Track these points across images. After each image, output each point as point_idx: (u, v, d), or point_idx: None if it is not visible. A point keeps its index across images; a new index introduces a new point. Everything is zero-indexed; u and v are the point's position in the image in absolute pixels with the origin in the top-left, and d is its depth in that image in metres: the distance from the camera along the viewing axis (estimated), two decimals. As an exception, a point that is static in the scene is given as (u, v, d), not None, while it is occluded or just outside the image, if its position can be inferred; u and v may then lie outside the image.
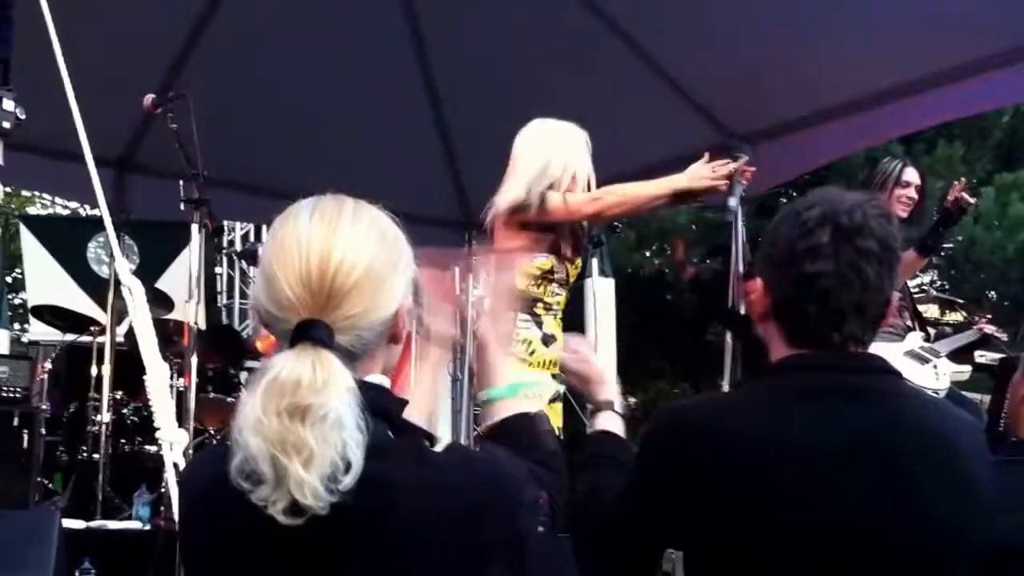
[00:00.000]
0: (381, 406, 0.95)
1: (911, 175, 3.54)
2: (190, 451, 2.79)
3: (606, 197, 2.71)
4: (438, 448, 0.98)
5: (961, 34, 3.49)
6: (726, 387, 5.55)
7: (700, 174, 2.80)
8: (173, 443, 2.29)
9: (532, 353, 2.71)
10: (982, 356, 4.13)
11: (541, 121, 2.84)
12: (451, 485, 0.93)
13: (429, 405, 1.27)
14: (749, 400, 1.19)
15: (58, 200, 9.57)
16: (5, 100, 1.67)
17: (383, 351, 1.02)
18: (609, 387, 1.46)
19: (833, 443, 1.10)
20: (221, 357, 4.78)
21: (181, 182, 2.89)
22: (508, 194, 2.71)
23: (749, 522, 1.09)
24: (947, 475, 1.11)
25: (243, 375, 4.86)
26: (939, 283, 6.74)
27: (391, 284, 1.00)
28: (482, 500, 0.94)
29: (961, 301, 4.85)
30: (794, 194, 6.62)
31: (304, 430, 0.86)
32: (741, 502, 1.10)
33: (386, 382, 1.02)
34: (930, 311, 5.96)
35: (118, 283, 2.88)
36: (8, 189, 7.79)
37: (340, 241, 0.98)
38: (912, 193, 3.55)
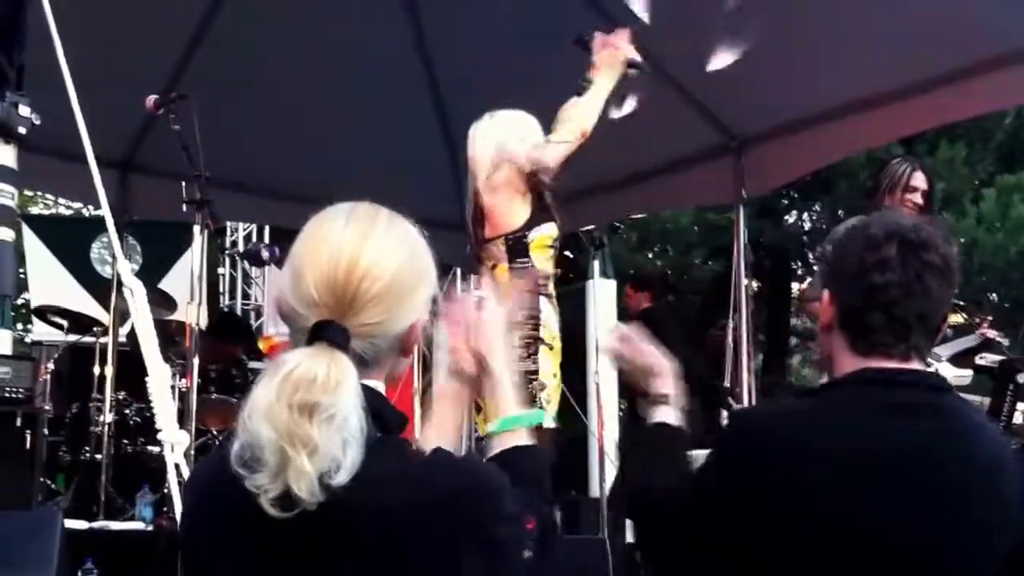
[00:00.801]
0: (375, 407, 0.97)
1: (919, 180, 3.51)
2: (192, 452, 2.80)
3: (576, 123, 2.72)
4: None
5: (963, 35, 3.49)
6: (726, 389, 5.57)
7: (610, 59, 2.83)
8: (175, 444, 2.30)
9: (554, 338, 2.71)
10: (982, 358, 4.13)
11: (490, 114, 2.89)
12: (433, 481, 0.96)
13: (456, 444, 1.28)
14: (826, 412, 1.22)
15: (61, 200, 9.56)
16: (21, 106, 1.68)
17: (392, 361, 1.05)
18: (667, 379, 1.43)
19: (893, 454, 1.16)
20: (230, 348, 4.76)
21: (184, 183, 2.90)
22: (498, 170, 2.73)
23: (819, 533, 1.14)
24: (995, 496, 1.18)
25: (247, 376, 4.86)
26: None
27: (412, 298, 1.03)
28: (459, 495, 0.96)
29: (962, 303, 4.83)
30: (795, 195, 6.62)
31: (311, 426, 0.89)
32: (814, 511, 1.14)
33: (381, 387, 1.05)
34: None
35: (121, 283, 2.89)
36: (11, 189, 7.78)
37: (370, 249, 1.00)
38: (919, 199, 3.52)
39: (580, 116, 2.71)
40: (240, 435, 0.92)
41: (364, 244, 1.00)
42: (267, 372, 0.94)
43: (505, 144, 2.76)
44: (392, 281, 1.00)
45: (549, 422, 2.63)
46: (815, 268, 3.91)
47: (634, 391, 1.47)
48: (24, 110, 1.68)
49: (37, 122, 1.70)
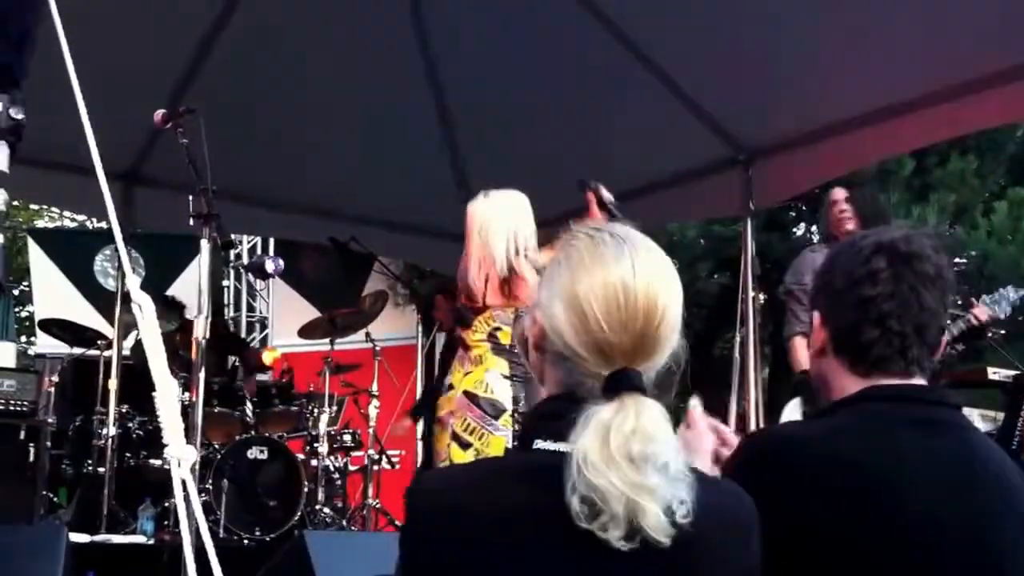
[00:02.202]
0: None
1: (835, 194, 3.78)
2: (197, 467, 2.77)
3: None
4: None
5: (975, 47, 3.48)
6: (734, 403, 5.54)
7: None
8: (181, 460, 2.27)
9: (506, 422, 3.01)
10: (995, 373, 4.08)
11: (495, 194, 3.21)
12: (729, 507, 1.00)
13: None
14: (847, 425, 1.19)
15: (66, 213, 9.58)
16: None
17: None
18: (704, 459, 1.33)
19: (924, 475, 1.13)
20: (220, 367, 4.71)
21: (191, 197, 2.89)
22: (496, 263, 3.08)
23: (843, 548, 1.11)
24: (1012, 504, 1.16)
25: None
26: (952, 298, 6.68)
27: (680, 323, 1.01)
28: (748, 519, 1.01)
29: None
30: (803, 208, 6.59)
31: (650, 476, 0.90)
32: (836, 528, 1.11)
33: None
34: (942, 326, 5.92)
35: (125, 296, 2.86)
36: (16, 202, 7.81)
37: (661, 287, 0.97)
38: (844, 206, 3.72)
39: None
40: (576, 483, 0.90)
41: (651, 279, 0.97)
42: (587, 424, 0.92)
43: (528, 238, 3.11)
44: (677, 314, 0.98)
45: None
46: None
47: None
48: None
49: (17, 117, 1.66)
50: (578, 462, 0.90)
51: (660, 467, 0.91)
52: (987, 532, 1.12)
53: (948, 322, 1.30)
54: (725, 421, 5.57)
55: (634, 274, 0.96)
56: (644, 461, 0.90)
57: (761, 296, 4.41)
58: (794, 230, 6.90)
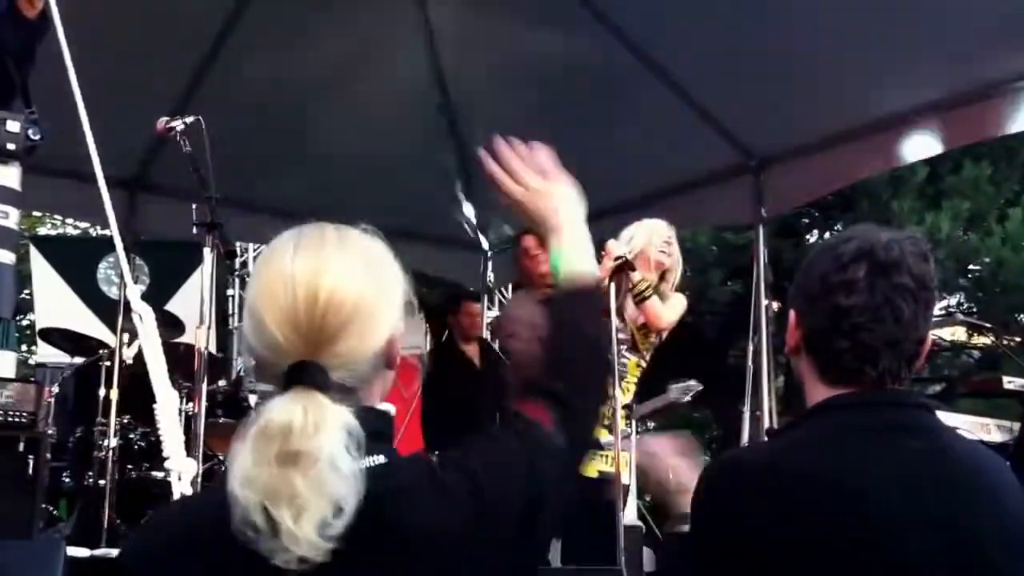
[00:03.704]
0: (381, 431, 0.94)
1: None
2: (199, 480, 2.70)
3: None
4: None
5: (988, 54, 3.43)
6: (747, 412, 5.46)
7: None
8: (182, 473, 2.22)
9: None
10: (1011, 382, 4.01)
11: None
12: (456, 501, 0.91)
13: None
14: (799, 442, 1.17)
15: (68, 220, 9.56)
16: (10, 122, 1.63)
17: (379, 378, 0.99)
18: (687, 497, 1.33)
19: (889, 480, 1.09)
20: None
21: (194, 206, 2.85)
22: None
23: (808, 565, 1.07)
24: (994, 507, 1.11)
25: (252, 398, 4.77)
26: (966, 306, 6.61)
27: (382, 313, 0.97)
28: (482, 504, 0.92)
29: (988, 325, 4.74)
30: (816, 214, 6.54)
31: (296, 477, 0.84)
32: (803, 544, 1.08)
33: (392, 410, 1.00)
34: (957, 334, 5.86)
35: (127, 305, 2.80)
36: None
37: (326, 277, 0.94)
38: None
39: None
40: (233, 502, 0.86)
41: (319, 272, 0.94)
42: (244, 428, 0.88)
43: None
44: (358, 303, 0.94)
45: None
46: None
47: (660, 513, 1.36)
48: (13, 126, 1.62)
49: (35, 138, 1.64)
50: (230, 472, 0.86)
51: (310, 467, 0.84)
52: (962, 535, 1.07)
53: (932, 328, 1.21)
54: (739, 430, 5.53)
55: (293, 265, 0.94)
56: (288, 462, 0.85)
57: (774, 304, 4.35)
58: (807, 237, 6.86)
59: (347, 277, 0.95)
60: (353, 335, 0.93)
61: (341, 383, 0.92)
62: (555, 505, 0.96)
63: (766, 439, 1.25)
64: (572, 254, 1.12)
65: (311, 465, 0.84)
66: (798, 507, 1.09)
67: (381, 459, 0.90)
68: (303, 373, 0.90)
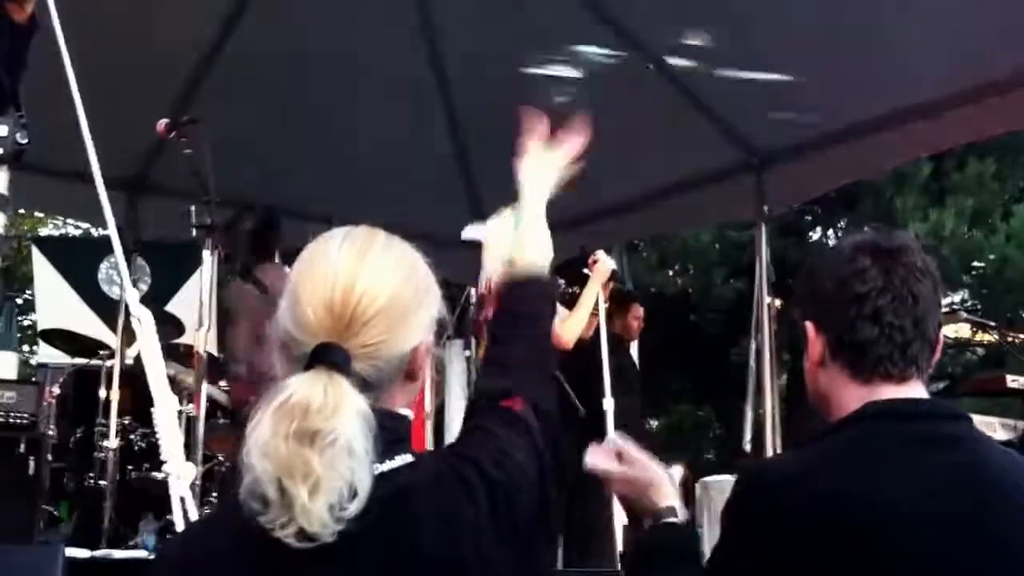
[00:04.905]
0: (399, 433, 0.96)
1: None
2: (198, 483, 2.69)
3: (569, 326, 3.26)
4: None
5: (992, 50, 3.41)
6: (749, 410, 5.44)
7: (600, 275, 3.37)
8: (180, 476, 2.21)
9: None
10: (1015, 380, 4.00)
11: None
12: (475, 497, 0.93)
13: None
14: (828, 455, 1.13)
15: (70, 220, 9.56)
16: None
17: (400, 386, 1.01)
18: (667, 488, 1.28)
19: (920, 497, 1.06)
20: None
21: (193, 208, 2.84)
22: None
23: None
24: None
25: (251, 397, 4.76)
26: (970, 303, 6.58)
27: (413, 319, 1.00)
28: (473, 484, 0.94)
29: (993, 324, 4.71)
30: (819, 212, 6.51)
31: (312, 455, 0.86)
32: (828, 564, 1.05)
33: (411, 416, 1.01)
34: (960, 331, 5.83)
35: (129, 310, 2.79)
36: (21, 210, 7.79)
37: (366, 270, 0.99)
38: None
39: (570, 325, 3.20)
40: (245, 471, 0.88)
41: (360, 264, 0.99)
42: (264, 402, 0.90)
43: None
44: (391, 301, 0.98)
45: None
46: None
47: (633, 516, 1.31)
48: (1, 129, 1.61)
49: (23, 142, 1.63)
50: (247, 444, 0.88)
51: (327, 446, 0.86)
52: (1000, 553, 1.03)
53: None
54: (741, 429, 5.51)
55: (338, 256, 0.99)
56: (305, 439, 0.86)
57: (777, 302, 4.33)
58: (810, 234, 6.84)
59: (386, 275, 0.99)
60: (380, 330, 0.96)
61: (361, 375, 0.94)
62: (553, 488, 1.00)
63: (798, 447, 1.21)
64: (525, 239, 1.16)
65: (328, 445, 0.86)
66: (823, 525, 1.06)
67: (408, 458, 0.93)
68: (327, 353, 0.92)
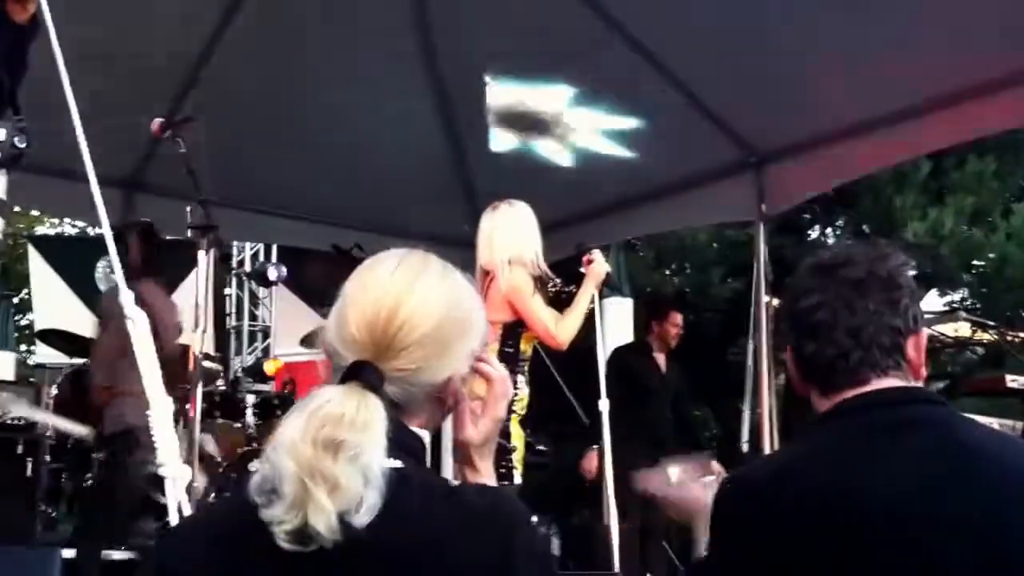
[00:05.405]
0: (412, 447, 0.99)
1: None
2: (195, 485, 2.68)
3: (566, 327, 3.19)
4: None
5: (991, 48, 3.39)
6: (747, 410, 5.42)
7: (595, 276, 3.32)
8: (176, 479, 2.20)
9: (523, 409, 3.16)
10: (1014, 380, 3.99)
11: (515, 205, 3.26)
12: (473, 517, 0.95)
13: None
14: (800, 455, 1.18)
15: (66, 219, 9.53)
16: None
17: (428, 410, 1.04)
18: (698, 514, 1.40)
19: (895, 483, 1.08)
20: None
21: (188, 208, 2.82)
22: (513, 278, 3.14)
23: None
24: (1013, 494, 1.08)
25: (250, 398, 4.75)
26: (970, 302, 6.57)
27: (452, 350, 1.03)
28: (482, 523, 0.95)
29: (992, 323, 4.70)
30: (818, 210, 6.50)
31: (335, 464, 0.89)
32: (810, 562, 1.07)
33: (427, 437, 1.04)
34: (960, 330, 5.81)
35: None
36: (17, 208, 7.77)
37: (415, 296, 1.02)
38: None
39: (565, 326, 3.17)
40: (262, 466, 0.92)
41: (410, 291, 1.02)
42: (297, 406, 0.95)
43: (522, 290, 3.13)
44: (433, 330, 1.01)
45: (518, 479, 3.08)
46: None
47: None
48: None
49: (22, 146, 1.62)
50: (274, 441, 0.92)
51: (350, 458, 0.89)
52: (986, 532, 1.04)
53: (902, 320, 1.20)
54: (738, 428, 5.48)
55: (392, 283, 1.03)
56: (331, 447, 0.90)
57: (775, 301, 4.32)
58: (809, 233, 6.82)
59: (432, 306, 1.02)
60: (417, 357, 1.00)
61: (391, 397, 0.98)
62: None
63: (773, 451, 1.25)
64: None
65: (352, 458, 0.89)
66: (802, 525, 1.08)
67: (398, 463, 0.94)
68: (363, 372, 0.96)
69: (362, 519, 0.88)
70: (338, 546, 0.88)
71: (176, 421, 3.60)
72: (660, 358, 4.80)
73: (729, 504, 1.17)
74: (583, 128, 4.48)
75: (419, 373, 1.01)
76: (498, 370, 1.14)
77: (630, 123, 4.38)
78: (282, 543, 0.88)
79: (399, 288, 1.02)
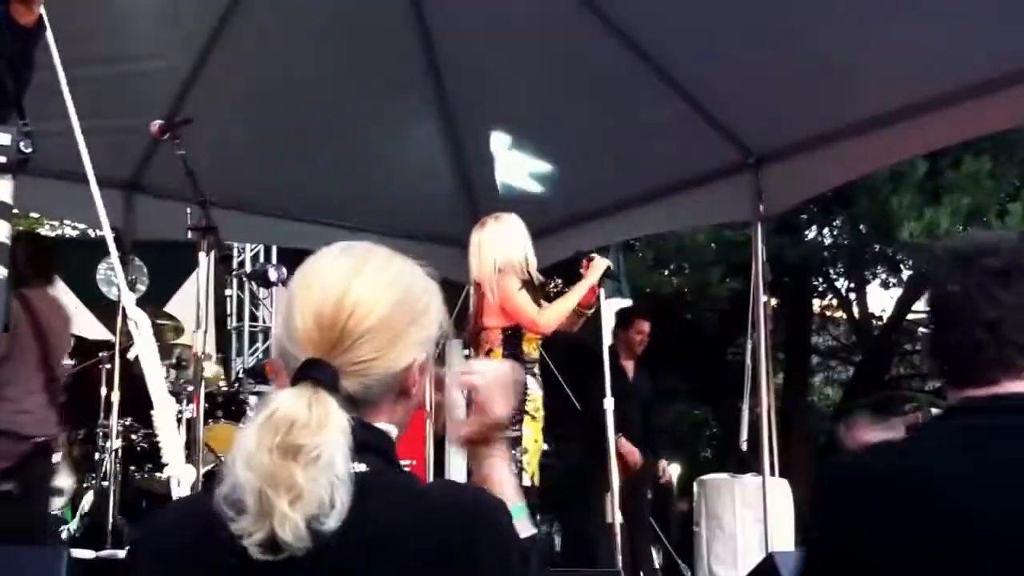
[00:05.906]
0: (378, 445, 0.95)
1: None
2: (199, 484, 2.70)
3: (551, 313, 3.25)
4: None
5: (988, 48, 3.41)
6: (746, 409, 5.44)
7: (594, 272, 3.37)
8: (180, 479, 2.23)
9: (537, 409, 3.19)
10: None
11: (502, 218, 3.36)
12: (437, 512, 0.92)
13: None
14: (920, 447, 1.16)
15: (66, 221, 9.54)
16: (1, 134, 1.61)
17: (391, 404, 1.00)
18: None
19: (999, 488, 1.08)
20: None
21: (188, 209, 2.84)
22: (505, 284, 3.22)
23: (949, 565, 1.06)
24: None
25: (252, 399, 4.77)
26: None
27: (406, 338, 0.98)
28: (467, 520, 0.92)
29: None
30: (815, 210, 6.52)
31: (295, 469, 0.86)
32: (911, 554, 1.07)
33: (393, 431, 1.00)
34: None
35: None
36: (16, 210, 7.77)
37: (360, 284, 0.97)
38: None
39: (549, 312, 3.22)
40: (226, 479, 0.88)
41: (355, 279, 0.97)
42: (253, 415, 0.96)
43: (512, 287, 3.21)
44: (384, 318, 0.96)
45: (526, 481, 3.10)
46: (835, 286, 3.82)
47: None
48: (4, 138, 1.61)
49: (27, 151, 1.63)
50: (232, 453, 0.88)
51: (310, 461, 0.86)
52: None
53: None
54: (738, 427, 5.48)
55: (334, 268, 0.99)
56: (289, 453, 0.86)
57: (773, 301, 4.35)
58: (806, 233, 6.84)
59: (380, 292, 0.97)
60: (371, 348, 0.95)
61: (348, 392, 0.94)
62: None
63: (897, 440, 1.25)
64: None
65: (312, 461, 0.86)
66: (909, 517, 1.07)
67: (363, 467, 0.91)
68: (313, 369, 0.92)
69: (331, 524, 0.86)
70: (309, 552, 0.86)
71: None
72: (628, 365, 4.81)
73: (839, 492, 1.15)
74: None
75: (375, 365, 0.96)
76: (483, 375, 1.11)
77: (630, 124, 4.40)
78: (254, 553, 0.86)
79: (344, 277, 0.97)
